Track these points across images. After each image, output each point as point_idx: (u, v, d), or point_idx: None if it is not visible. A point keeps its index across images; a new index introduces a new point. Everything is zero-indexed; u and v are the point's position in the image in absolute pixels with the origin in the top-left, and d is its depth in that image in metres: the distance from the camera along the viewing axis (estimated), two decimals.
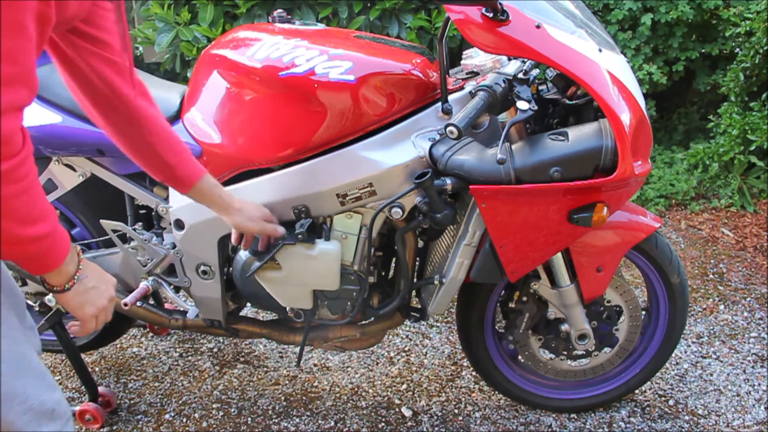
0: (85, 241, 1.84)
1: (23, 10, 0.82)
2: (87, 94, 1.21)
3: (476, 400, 2.03)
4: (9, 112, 0.83)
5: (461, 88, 1.56)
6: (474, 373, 2.12)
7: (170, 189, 1.66)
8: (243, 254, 1.63)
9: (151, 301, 1.93)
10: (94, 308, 1.05)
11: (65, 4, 0.94)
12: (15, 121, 0.84)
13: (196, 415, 1.98)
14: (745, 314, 2.45)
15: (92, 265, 1.06)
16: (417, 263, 1.79)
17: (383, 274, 1.81)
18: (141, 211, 1.82)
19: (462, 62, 1.66)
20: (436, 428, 1.92)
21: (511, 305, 1.80)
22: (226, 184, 1.61)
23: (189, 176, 1.37)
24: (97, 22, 1.12)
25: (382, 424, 1.94)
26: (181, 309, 1.87)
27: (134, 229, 1.71)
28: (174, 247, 1.71)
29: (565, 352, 1.83)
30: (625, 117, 1.36)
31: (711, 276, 2.71)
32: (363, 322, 1.78)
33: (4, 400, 0.97)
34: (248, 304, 1.93)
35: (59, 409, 1.05)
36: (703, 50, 3.65)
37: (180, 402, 2.04)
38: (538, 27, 1.35)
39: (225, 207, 1.46)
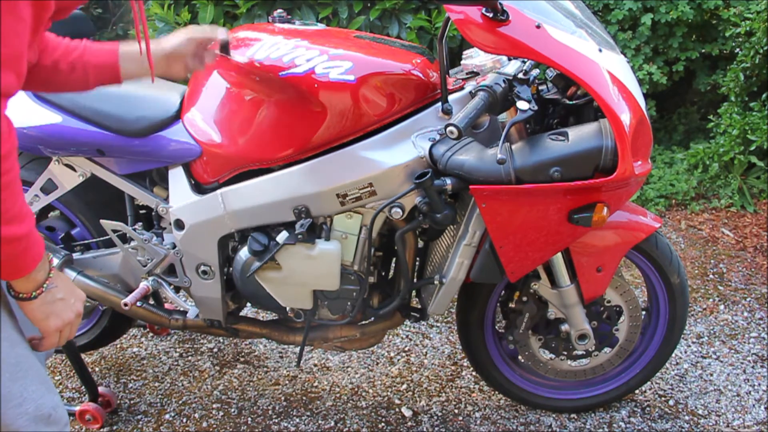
0: (85, 241, 1.84)
1: None
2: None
3: (476, 400, 2.03)
4: None
5: (461, 88, 1.56)
6: (474, 373, 2.12)
7: (170, 189, 1.66)
8: (243, 254, 1.63)
9: (151, 301, 1.93)
10: (60, 321, 0.97)
11: None
12: None
13: (196, 415, 1.98)
14: (745, 314, 2.45)
15: (63, 276, 1.00)
16: (417, 263, 1.79)
17: (383, 274, 1.81)
18: (141, 211, 1.82)
19: (462, 62, 1.66)
20: (436, 428, 1.92)
21: (511, 305, 1.80)
22: (226, 184, 1.61)
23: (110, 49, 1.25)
24: None
25: (382, 424, 1.94)
26: (181, 309, 1.87)
27: (134, 229, 1.71)
28: (174, 247, 1.71)
29: (565, 352, 1.83)
30: (625, 117, 1.36)
31: (711, 276, 2.71)
32: (363, 322, 1.78)
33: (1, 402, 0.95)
34: (248, 304, 1.93)
35: (55, 414, 1.01)
36: (703, 50, 3.65)
37: (180, 402, 2.04)
38: (538, 27, 1.35)
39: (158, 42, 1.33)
